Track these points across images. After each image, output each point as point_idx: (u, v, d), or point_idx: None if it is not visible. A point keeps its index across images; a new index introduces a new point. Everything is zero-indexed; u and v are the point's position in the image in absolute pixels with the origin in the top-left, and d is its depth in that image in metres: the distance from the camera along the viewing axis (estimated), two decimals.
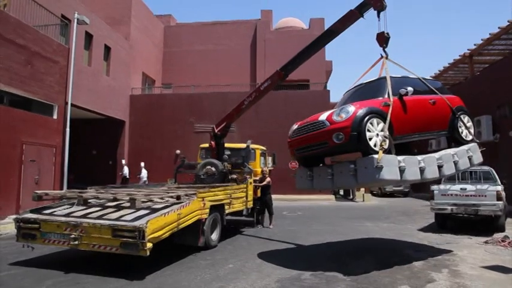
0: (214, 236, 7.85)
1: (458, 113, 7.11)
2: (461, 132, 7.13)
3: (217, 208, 7.88)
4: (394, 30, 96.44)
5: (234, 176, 9.87)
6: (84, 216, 5.99)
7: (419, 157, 6.19)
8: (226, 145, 10.73)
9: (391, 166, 5.66)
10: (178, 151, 21.55)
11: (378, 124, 5.91)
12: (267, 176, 10.71)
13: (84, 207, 6.49)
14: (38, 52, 12.56)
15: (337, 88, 70.21)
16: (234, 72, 26.26)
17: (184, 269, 5.96)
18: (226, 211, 8.51)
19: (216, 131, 10.26)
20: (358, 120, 5.76)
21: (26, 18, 12.59)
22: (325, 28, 27.37)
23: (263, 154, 12.13)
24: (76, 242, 5.61)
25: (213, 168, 9.66)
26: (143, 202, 6.12)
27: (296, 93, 22.74)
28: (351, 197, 23.58)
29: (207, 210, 7.20)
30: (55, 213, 6.35)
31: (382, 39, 7.10)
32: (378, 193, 25.68)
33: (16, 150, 11.57)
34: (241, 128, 19.21)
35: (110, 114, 20.66)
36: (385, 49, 7.13)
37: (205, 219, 7.16)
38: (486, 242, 8.29)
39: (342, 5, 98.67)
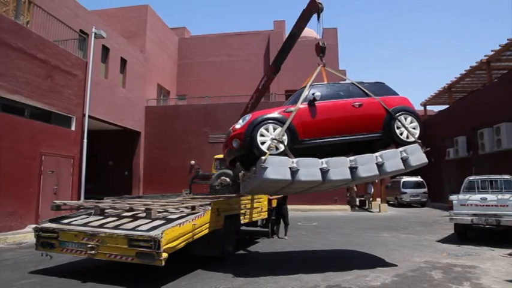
0: (229, 247, 7.82)
1: (397, 114, 7.09)
2: (401, 134, 7.06)
3: (232, 218, 7.85)
4: (409, 38, 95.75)
5: None
6: (101, 226, 6.06)
7: (324, 159, 6.41)
8: None
9: (277, 166, 6.10)
10: (192, 162, 21.69)
11: (274, 129, 6.51)
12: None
13: (101, 217, 6.57)
14: (58, 66, 12.91)
15: None
16: (248, 82, 26.33)
17: (199, 280, 5.95)
18: (241, 222, 8.49)
19: None
20: (251, 127, 6.49)
21: (47, 34, 12.98)
22: (338, 37, 27.38)
23: None
24: (93, 252, 5.66)
25: (228, 179, 9.66)
26: (159, 212, 6.17)
27: None
28: (367, 207, 23.28)
29: (222, 221, 7.19)
30: (73, 222, 6.45)
31: (318, 49, 7.84)
32: (394, 203, 25.28)
33: (36, 161, 11.85)
34: None
35: (126, 126, 20.98)
36: (322, 58, 7.83)
37: (220, 229, 7.14)
38: (510, 254, 8.02)
39: (353, 15, 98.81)
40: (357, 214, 19.71)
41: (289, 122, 6.53)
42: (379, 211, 20.88)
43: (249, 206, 8.95)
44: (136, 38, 22.74)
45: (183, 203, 7.07)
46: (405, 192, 24.38)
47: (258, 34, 28.55)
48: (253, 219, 9.39)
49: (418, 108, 30.58)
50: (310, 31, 29.37)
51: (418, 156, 6.88)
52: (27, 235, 10.11)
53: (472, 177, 10.69)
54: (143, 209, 6.18)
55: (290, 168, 6.13)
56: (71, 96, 13.60)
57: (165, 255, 5.25)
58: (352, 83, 7.45)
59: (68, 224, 6.38)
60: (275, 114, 6.76)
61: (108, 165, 22.19)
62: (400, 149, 6.82)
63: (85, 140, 14.11)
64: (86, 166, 14.17)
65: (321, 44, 7.86)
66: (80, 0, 17.06)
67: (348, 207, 21.82)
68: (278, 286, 5.66)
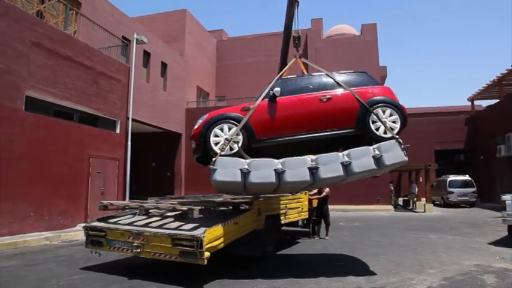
0: (270, 247, 7.82)
1: (373, 107, 6.35)
2: (377, 129, 6.30)
3: (272, 218, 7.86)
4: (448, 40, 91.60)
5: None
6: (146, 225, 6.24)
7: (281, 160, 5.95)
8: None
9: (226, 168, 5.83)
10: None
11: (229, 129, 6.27)
12: (325, 187, 10.48)
13: (146, 217, 6.77)
14: (103, 72, 13.50)
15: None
16: None
17: (240, 279, 5.98)
18: (282, 221, 8.46)
19: None
20: (205, 127, 6.32)
21: (92, 42, 13.62)
22: (378, 33, 26.71)
23: None
24: (138, 250, 5.85)
25: None
26: (201, 212, 6.27)
27: None
28: (411, 207, 22.50)
29: (263, 221, 7.20)
30: (119, 222, 6.69)
31: (293, 39, 7.54)
32: (440, 203, 24.21)
33: (84, 164, 12.47)
34: None
35: (168, 128, 21.54)
36: (298, 49, 7.54)
37: (261, 229, 7.15)
38: None
39: (394, 8, 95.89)
40: (400, 214, 19.08)
41: (245, 120, 6.23)
42: (424, 211, 20.09)
43: (289, 206, 8.91)
44: (176, 42, 23.31)
45: (224, 203, 7.16)
46: (452, 192, 23.25)
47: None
48: (294, 219, 9.34)
49: (465, 104, 29.24)
50: (349, 28, 28.91)
51: (394, 154, 6.05)
52: (77, 233, 10.65)
53: None
54: (186, 208, 6.31)
55: (241, 169, 5.81)
56: (115, 101, 14.18)
57: (207, 254, 5.33)
58: (326, 74, 6.87)
59: (115, 223, 6.63)
60: (230, 113, 6.49)
61: (151, 167, 22.89)
62: (374, 146, 6.10)
63: (129, 143, 14.65)
64: (131, 167, 14.70)
65: (294, 34, 7.46)
66: (121, 7, 17.75)
67: (390, 207, 21.20)
68: (320, 287, 5.58)
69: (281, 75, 7.03)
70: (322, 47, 26.36)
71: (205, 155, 6.49)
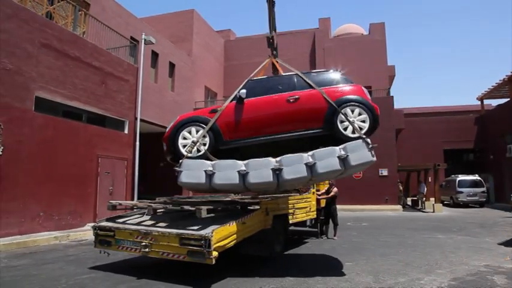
0: (278, 246, 7.81)
1: (341, 106, 6.28)
2: (345, 129, 6.27)
3: (280, 218, 7.86)
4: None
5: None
6: (154, 225, 6.27)
7: (245, 161, 6.08)
8: None
9: (192, 170, 6.06)
10: None
11: (197, 132, 6.43)
12: (333, 186, 10.47)
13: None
14: (111, 72, 13.60)
15: (402, 93, 67.39)
16: None
17: (248, 279, 5.99)
18: (290, 221, 8.46)
19: None
20: (174, 130, 6.55)
21: (101, 42, 13.72)
22: (386, 33, 26.71)
23: None
24: (146, 250, 5.88)
25: None
26: (209, 212, 6.28)
27: None
28: (420, 207, 22.33)
29: (271, 221, 7.20)
30: (128, 222, 6.72)
31: (267, 40, 7.49)
32: (449, 203, 23.99)
33: (93, 163, 12.57)
34: None
35: None
36: (274, 49, 7.48)
37: (269, 229, 7.15)
38: None
39: (402, 8, 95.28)
40: (408, 214, 18.94)
41: (212, 123, 6.38)
42: (433, 211, 19.93)
43: (297, 205, 8.90)
44: (184, 42, 23.38)
45: (232, 203, 7.16)
46: (461, 192, 23.03)
47: (303, 33, 28.31)
48: (302, 219, 9.33)
49: (475, 103, 28.94)
50: (356, 27, 28.83)
51: (360, 154, 5.97)
52: (86, 233, 10.74)
53: None
54: (193, 208, 6.33)
55: (205, 171, 6.00)
56: (123, 101, 14.26)
57: (215, 253, 5.34)
58: (297, 74, 6.85)
59: (123, 223, 6.66)
60: (198, 115, 6.68)
61: (159, 167, 22.94)
62: (340, 146, 6.05)
63: (137, 143, 14.72)
64: (139, 167, 14.77)
65: (267, 35, 7.51)
66: (130, 8, 17.88)
67: (399, 207, 21.06)
68: (328, 287, 5.57)
69: (253, 76, 7.01)
70: (330, 46, 26.28)
71: (177, 157, 6.59)
